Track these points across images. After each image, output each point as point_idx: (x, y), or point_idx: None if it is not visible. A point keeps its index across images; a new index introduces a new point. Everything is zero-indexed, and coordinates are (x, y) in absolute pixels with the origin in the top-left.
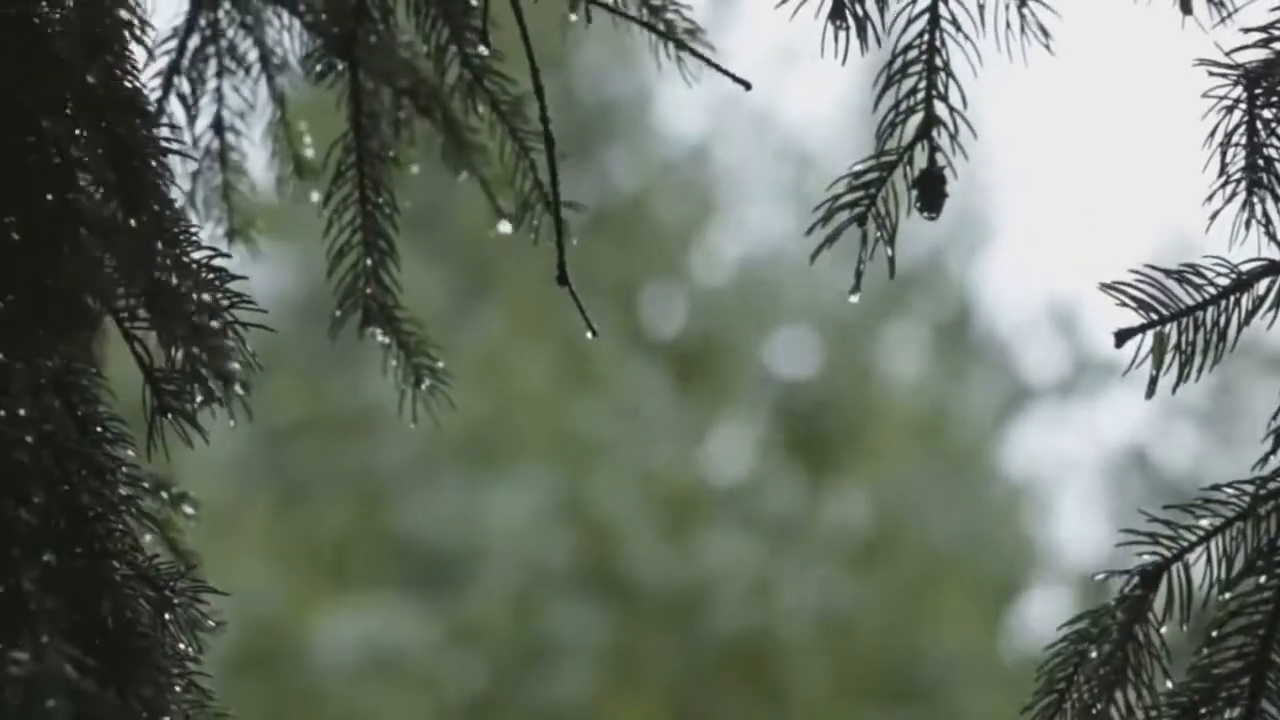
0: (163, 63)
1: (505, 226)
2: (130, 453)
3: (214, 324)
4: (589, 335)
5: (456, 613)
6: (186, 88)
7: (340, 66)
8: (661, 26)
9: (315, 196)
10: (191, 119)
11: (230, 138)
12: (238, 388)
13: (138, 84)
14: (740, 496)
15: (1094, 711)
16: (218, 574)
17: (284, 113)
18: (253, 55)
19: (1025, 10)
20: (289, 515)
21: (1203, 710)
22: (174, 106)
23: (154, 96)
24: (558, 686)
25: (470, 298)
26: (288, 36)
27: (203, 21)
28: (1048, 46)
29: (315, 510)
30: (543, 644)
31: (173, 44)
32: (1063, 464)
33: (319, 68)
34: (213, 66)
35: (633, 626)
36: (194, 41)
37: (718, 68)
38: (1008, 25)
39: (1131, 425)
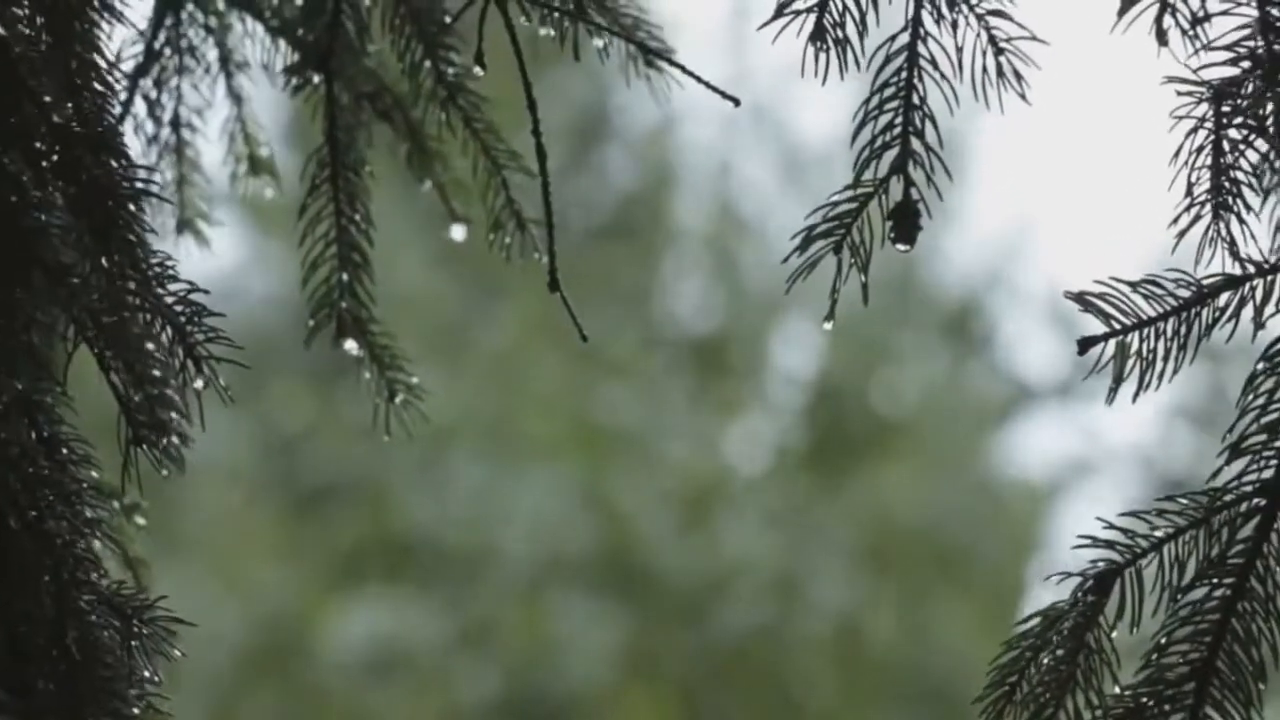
0: (128, 66)
1: (460, 232)
2: (94, 474)
3: (155, 373)
4: (581, 341)
5: (469, 609)
6: (151, 89)
7: (316, 80)
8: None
9: (269, 193)
10: (156, 119)
11: (186, 134)
12: (174, 439)
13: (112, 121)
14: (756, 493)
15: (1045, 715)
16: (228, 573)
17: (240, 110)
18: (212, 55)
19: (1001, 59)
20: (300, 513)
21: (1148, 714)
22: (138, 108)
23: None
24: (570, 681)
25: (487, 293)
26: (249, 43)
27: (167, 22)
28: (1023, 95)
29: (326, 508)
30: (556, 639)
31: (139, 48)
32: (1075, 466)
33: (294, 81)
34: (173, 64)
35: (647, 621)
36: (159, 42)
37: (706, 83)
38: (984, 70)
39: (1135, 426)
